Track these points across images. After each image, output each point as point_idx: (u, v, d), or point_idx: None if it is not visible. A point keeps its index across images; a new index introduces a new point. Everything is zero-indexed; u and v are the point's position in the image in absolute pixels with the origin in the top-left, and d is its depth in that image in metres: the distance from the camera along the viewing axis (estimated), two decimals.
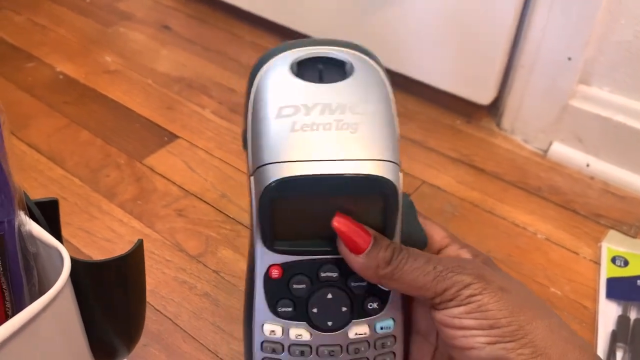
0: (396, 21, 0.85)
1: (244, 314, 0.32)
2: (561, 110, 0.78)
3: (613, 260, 0.64)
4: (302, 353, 0.31)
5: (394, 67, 0.87)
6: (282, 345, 0.31)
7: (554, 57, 0.76)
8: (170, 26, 1.06)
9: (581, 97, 0.77)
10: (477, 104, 0.84)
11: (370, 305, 0.31)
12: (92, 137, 0.80)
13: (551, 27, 0.74)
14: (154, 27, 1.06)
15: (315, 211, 0.28)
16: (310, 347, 0.31)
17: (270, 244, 0.29)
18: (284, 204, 0.28)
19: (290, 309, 0.30)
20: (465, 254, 0.32)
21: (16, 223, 0.32)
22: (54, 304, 0.30)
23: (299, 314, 0.30)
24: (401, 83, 0.88)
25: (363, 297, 0.30)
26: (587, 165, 0.78)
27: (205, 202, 0.71)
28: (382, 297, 0.31)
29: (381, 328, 0.31)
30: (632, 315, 0.58)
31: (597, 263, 0.65)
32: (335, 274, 0.30)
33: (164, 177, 0.74)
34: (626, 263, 0.64)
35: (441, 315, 0.29)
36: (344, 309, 0.30)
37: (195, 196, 0.72)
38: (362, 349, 0.31)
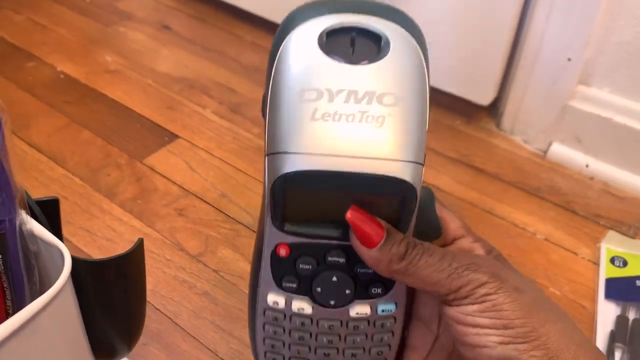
0: None
1: (249, 282, 0.32)
2: (561, 110, 0.78)
3: (612, 260, 0.64)
4: (302, 324, 0.31)
5: None
6: (284, 315, 0.31)
7: (553, 57, 0.76)
8: (170, 26, 1.06)
9: (581, 98, 0.77)
10: (477, 104, 0.84)
11: (375, 290, 0.30)
12: (93, 136, 0.80)
13: (551, 28, 0.74)
14: (154, 26, 1.06)
15: (328, 202, 0.27)
16: (311, 319, 0.31)
17: (280, 225, 0.28)
18: (296, 193, 0.27)
19: (294, 285, 0.30)
20: (479, 249, 0.32)
21: (17, 222, 0.32)
22: (55, 302, 0.30)
23: (303, 290, 0.30)
24: None
25: (368, 282, 0.30)
26: (587, 166, 0.78)
27: (205, 201, 0.71)
28: (387, 284, 0.30)
29: (382, 310, 0.31)
30: (631, 315, 0.58)
31: (596, 263, 0.65)
32: (342, 260, 0.29)
33: (164, 176, 0.74)
34: (625, 263, 0.64)
35: (454, 312, 0.28)
36: (347, 291, 0.30)
37: (196, 196, 0.72)
38: (362, 326, 0.31)
